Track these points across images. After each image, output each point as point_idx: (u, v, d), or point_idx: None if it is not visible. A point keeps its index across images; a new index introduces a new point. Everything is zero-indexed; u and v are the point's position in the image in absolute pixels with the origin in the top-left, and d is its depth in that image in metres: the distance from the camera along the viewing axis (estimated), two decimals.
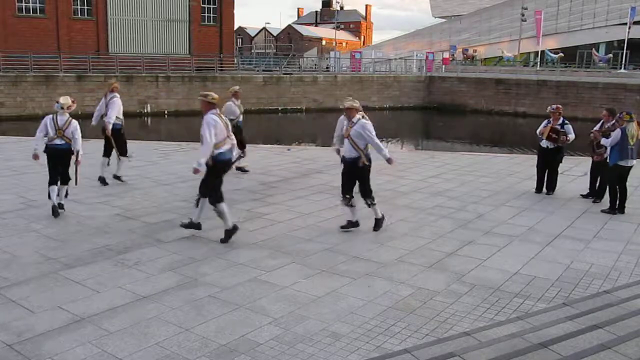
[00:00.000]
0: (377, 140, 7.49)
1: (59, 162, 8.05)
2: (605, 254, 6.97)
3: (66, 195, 8.40)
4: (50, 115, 8.24)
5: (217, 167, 6.80)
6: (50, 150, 8.04)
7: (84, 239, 7.08)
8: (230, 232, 7.04)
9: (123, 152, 10.22)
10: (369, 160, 7.54)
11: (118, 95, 10.14)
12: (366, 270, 6.22)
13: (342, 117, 9.20)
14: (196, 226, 7.22)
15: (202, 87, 32.81)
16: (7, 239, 7.00)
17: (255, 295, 5.45)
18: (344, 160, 7.66)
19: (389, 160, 7.59)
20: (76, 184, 8.30)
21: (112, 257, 6.42)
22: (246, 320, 4.93)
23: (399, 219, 8.42)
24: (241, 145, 11.16)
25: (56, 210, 8.06)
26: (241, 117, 11.36)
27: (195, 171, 6.69)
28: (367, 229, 7.89)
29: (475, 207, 9.27)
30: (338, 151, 8.54)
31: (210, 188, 6.92)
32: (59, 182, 8.16)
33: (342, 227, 7.72)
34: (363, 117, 7.54)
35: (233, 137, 7.07)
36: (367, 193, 7.66)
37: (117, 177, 10.29)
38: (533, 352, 4.33)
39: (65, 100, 8.25)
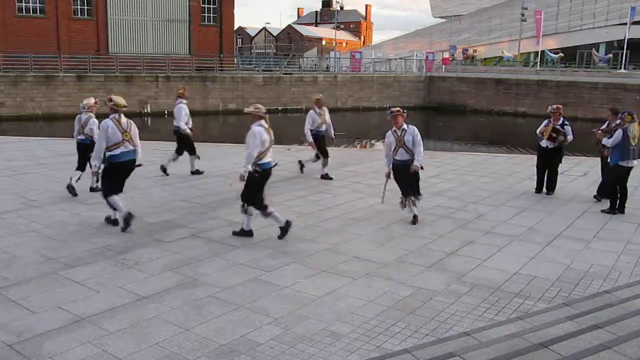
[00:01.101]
0: (251, 152, 6.94)
1: (83, 154, 9.25)
2: (605, 254, 6.97)
3: (97, 181, 9.00)
4: (79, 115, 9.56)
5: (111, 167, 7.39)
6: (77, 143, 9.54)
7: (84, 239, 7.08)
8: (127, 219, 7.39)
9: (192, 151, 11.37)
10: (257, 171, 7.05)
11: (184, 101, 11.09)
12: (366, 270, 6.22)
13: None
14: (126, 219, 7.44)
15: (202, 87, 32.97)
16: (7, 239, 7.00)
17: (255, 295, 5.45)
18: None
19: (241, 177, 7.04)
20: None
21: (112, 257, 6.42)
22: (246, 320, 4.93)
23: (399, 219, 8.41)
24: (324, 153, 11.28)
25: (72, 190, 9.20)
26: (323, 125, 11.25)
27: (93, 173, 7.67)
28: (367, 230, 7.89)
29: (475, 207, 9.27)
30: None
31: (103, 184, 7.52)
32: (84, 170, 9.32)
33: (233, 233, 7.34)
34: (261, 124, 7.09)
35: (134, 140, 7.53)
36: (245, 198, 7.19)
37: (195, 172, 11.44)
38: (533, 352, 4.33)
39: (87, 100, 9.57)
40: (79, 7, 37.21)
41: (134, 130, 7.56)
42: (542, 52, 56.69)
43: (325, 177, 11.31)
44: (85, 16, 37.57)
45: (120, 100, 7.51)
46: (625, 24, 51.91)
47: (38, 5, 35.95)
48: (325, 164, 11.36)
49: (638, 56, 52.71)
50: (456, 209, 9.08)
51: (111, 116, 7.39)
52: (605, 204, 9.28)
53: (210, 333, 4.67)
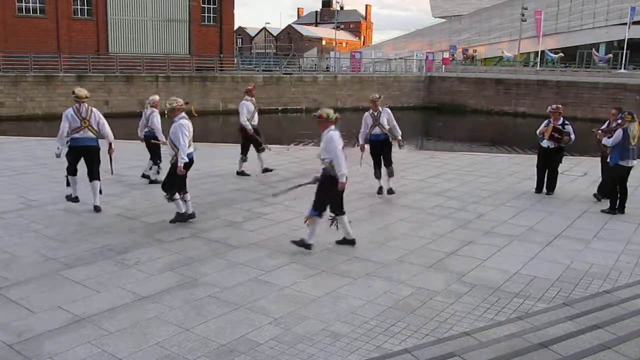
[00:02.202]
0: (183, 142, 7.39)
1: (147, 144, 10.36)
2: (605, 254, 6.97)
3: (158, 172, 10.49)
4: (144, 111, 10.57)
5: (70, 149, 8.32)
6: (144, 137, 10.44)
7: (84, 239, 7.09)
8: (70, 199, 8.63)
9: (258, 147, 11.47)
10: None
11: (247, 99, 11.22)
12: (366, 270, 6.22)
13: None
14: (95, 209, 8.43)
15: (202, 87, 32.98)
16: (7, 239, 7.00)
17: (255, 295, 5.45)
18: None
19: (178, 169, 7.46)
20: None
21: (112, 257, 6.42)
22: (246, 320, 4.93)
23: (399, 219, 8.41)
24: (386, 161, 9.68)
25: (148, 177, 10.58)
26: (377, 129, 9.53)
27: (57, 156, 8.37)
28: (367, 230, 7.89)
29: (475, 207, 9.27)
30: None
31: (68, 164, 8.45)
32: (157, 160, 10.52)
33: (170, 221, 7.72)
34: (185, 116, 7.55)
35: (97, 127, 8.28)
36: (168, 187, 7.63)
37: (267, 170, 11.55)
38: (533, 352, 4.34)
39: (153, 97, 10.58)
40: (79, 7, 37.17)
41: (95, 118, 8.32)
42: (542, 52, 56.65)
43: (390, 192, 9.72)
44: (85, 16, 37.54)
45: (81, 92, 8.35)
46: (625, 24, 51.86)
47: (38, 5, 35.91)
48: (388, 174, 9.72)
49: (638, 56, 52.66)
50: (456, 209, 9.08)
51: (75, 105, 8.28)
52: (605, 203, 9.28)
53: (210, 333, 4.67)
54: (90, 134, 8.30)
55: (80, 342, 4.46)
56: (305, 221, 6.73)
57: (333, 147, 6.48)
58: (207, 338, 4.59)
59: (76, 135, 8.23)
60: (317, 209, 6.66)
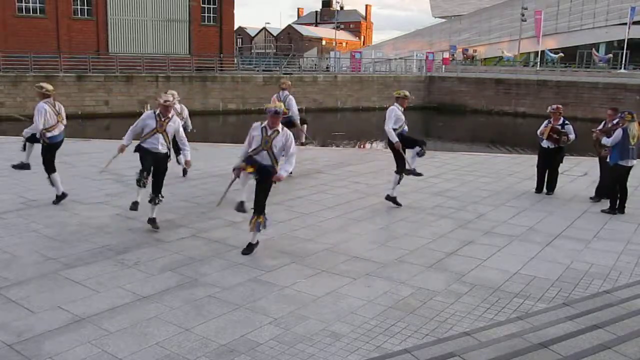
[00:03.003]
0: (185, 139, 7.64)
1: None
2: (605, 254, 6.97)
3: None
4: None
5: (51, 146, 8.37)
6: None
7: (84, 239, 7.08)
8: (60, 197, 8.63)
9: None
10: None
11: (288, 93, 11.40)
12: (366, 270, 6.22)
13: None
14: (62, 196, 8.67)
15: (202, 87, 32.98)
16: (7, 239, 7.00)
17: (255, 295, 5.45)
18: (156, 153, 7.39)
19: (187, 164, 7.77)
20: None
21: (112, 257, 6.42)
22: (246, 320, 4.93)
23: (399, 219, 8.42)
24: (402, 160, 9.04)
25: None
26: (406, 127, 9.02)
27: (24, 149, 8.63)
28: (367, 230, 7.89)
29: (475, 207, 9.27)
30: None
31: (46, 163, 8.46)
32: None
33: (130, 209, 7.55)
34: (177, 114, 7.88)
35: (64, 122, 8.53)
36: (160, 189, 7.59)
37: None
38: (533, 352, 4.34)
39: (171, 91, 9.98)
40: (79, 7, 37.19)
41: (63, 112, 8.55)
42: (542, 52, 56.65)
43: (391, 199, 9.16)
44: (85, 16, 37.55)
45: (50, 86, 8.44)
46: (625, 24, 51.87)
47: (38, 5, 35.93)
48: (397, 179, 9.09)
49: (638, 56, 52.66)
50: (456, 209, 9.08)
51: (46, 100, 8.23)
52: (605, 204, 9.28)
53: (210, 333, 4.67)
54: (62, 127, 8.50)
55: (80, 342, 4.46)
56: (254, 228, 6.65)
57: (293, 147, 6.58)
58: (207, 338, 4.59)
59: (55, 132, 8.34)
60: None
